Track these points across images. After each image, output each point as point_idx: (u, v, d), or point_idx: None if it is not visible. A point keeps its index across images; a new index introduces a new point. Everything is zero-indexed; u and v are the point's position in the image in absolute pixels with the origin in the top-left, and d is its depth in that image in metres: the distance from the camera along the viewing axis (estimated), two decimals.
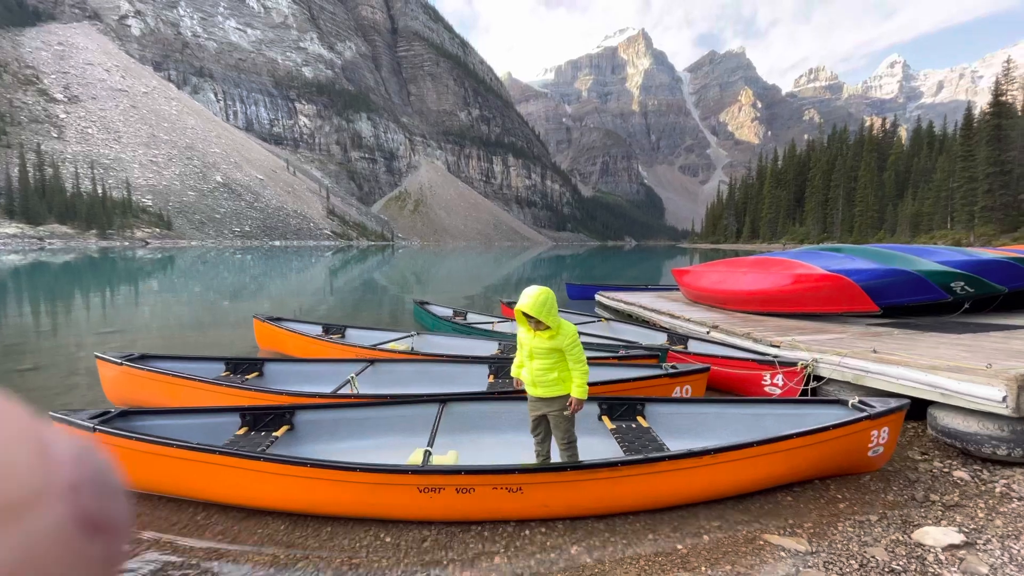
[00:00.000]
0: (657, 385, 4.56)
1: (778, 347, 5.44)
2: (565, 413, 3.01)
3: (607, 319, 8.41)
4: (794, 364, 4.88)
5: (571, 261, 46.40)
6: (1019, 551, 2.57)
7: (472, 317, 8.61)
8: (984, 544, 2.66)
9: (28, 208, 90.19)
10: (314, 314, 9.15)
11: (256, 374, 5.31)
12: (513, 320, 8.34)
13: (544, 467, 2.89)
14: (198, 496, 3.06)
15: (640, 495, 2.98)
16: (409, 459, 3.18)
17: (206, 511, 3.02)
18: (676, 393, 4.59)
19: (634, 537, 2.78)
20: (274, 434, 3.47)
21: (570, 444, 3.07)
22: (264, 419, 3.61)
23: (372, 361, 5.30)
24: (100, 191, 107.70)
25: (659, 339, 7.11)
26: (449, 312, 8.96)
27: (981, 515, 2.95)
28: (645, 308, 9.02)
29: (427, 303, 9.33)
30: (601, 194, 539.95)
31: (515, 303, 9.78)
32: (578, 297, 13.56)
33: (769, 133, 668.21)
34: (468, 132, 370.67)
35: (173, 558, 2.59)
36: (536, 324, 2.86)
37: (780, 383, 4.93)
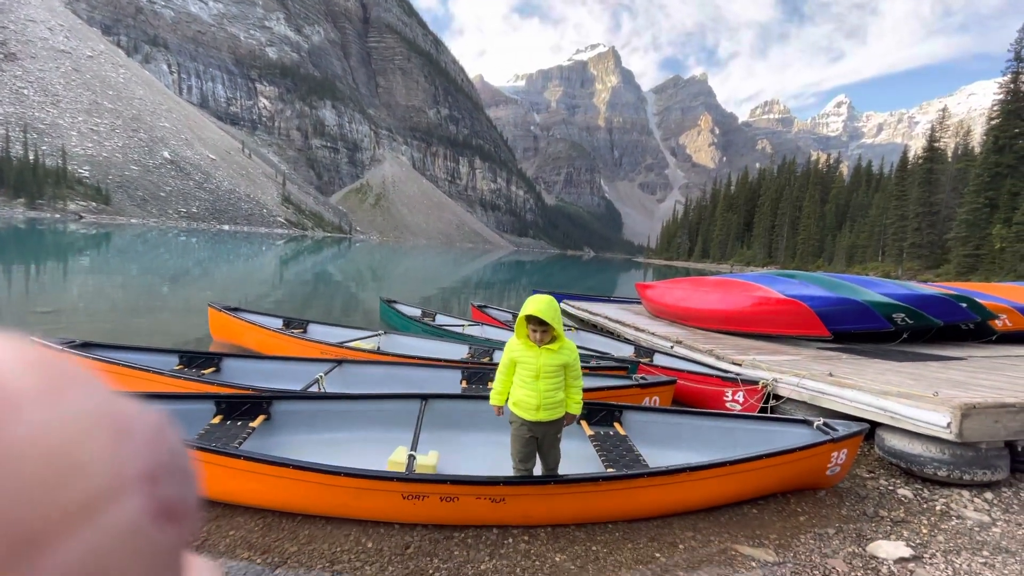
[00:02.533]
0: (628, 395, 4.67)
1: (740, 365, 5.70)
2: (558, 436, 2.91)
3: (575, 328, 8.53)
4: (755, 383, 5.11)
5: (531, 267, 46.78)
6: (961, 565, 2.80)
7: (441, 319, 8.50)
8: (930, 558, 2.89)
9: None
10: (259, 306, 8.73)
11: (213, 369, 5.02)
12: (484, 323, 8.27)
13: (527, 480, 2.90)
14: None
15: (619, 507, 3.04)
16: (391, 457, 3.12)
17: None
18: (645, 403, 4.72)
19: (614, 546, 2.84)
20: (251, 425, 3.32)
21: (557, 463, 3.00)
22: (240, 407, 3.45)
23: (340, 361, 5.10)
24: (32, 157, 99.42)
25: (625, 350, 7.28)
26: (418, 312, 8.80)
27: (925, 531, 3.20)
28: (610, 319, 9.22)
29: (395, 301, 9.13)
30: (563, 204, 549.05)
31: (486, 306, 9.66)
32: None
33: (724, 159, 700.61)
34: (436, 130, 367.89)
35: None
36: (543, 334, 2.66)
37: (741, 400, 5.16)
